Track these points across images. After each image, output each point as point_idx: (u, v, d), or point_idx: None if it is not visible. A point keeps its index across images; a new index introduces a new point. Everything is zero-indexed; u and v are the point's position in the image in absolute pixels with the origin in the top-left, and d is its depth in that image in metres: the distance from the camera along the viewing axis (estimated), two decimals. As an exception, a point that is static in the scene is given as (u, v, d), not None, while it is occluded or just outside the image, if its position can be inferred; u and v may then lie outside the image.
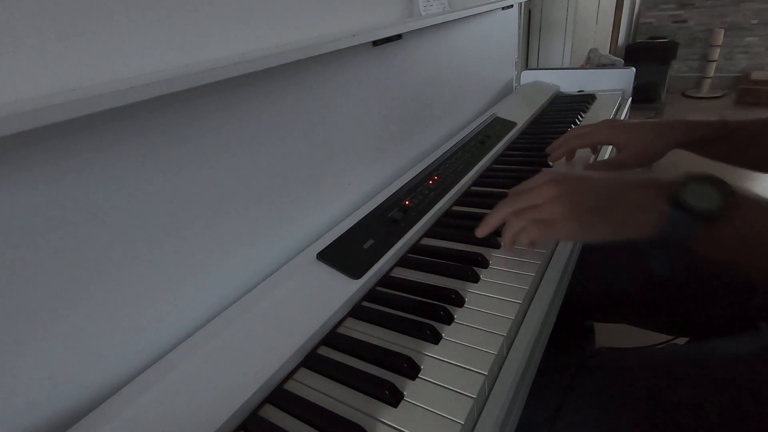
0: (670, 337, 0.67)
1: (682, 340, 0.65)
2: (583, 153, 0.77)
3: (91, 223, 0.36)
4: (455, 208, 0.68)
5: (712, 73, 3.38)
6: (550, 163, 0.77)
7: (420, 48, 0.78)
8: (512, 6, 1.17)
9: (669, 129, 0.61)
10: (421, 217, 0.61)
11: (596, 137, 0.67)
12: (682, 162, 0.56)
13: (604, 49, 2.88)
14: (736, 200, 0.36)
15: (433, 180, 0.70)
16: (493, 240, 0.56)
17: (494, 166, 0.81)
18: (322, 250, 0.53)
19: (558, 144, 0.72)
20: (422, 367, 0.39)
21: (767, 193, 0.37)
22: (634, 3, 3.49)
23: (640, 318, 0.69)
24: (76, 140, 0.34)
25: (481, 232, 0.51)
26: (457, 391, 0.36)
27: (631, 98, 1.16)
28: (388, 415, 0.35)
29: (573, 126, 0.95)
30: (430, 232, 0.62)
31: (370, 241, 0.55)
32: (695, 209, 0.36)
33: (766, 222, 0.36)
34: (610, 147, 0.79)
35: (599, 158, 0.77)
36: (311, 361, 0.42)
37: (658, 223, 0.38)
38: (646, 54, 3.15)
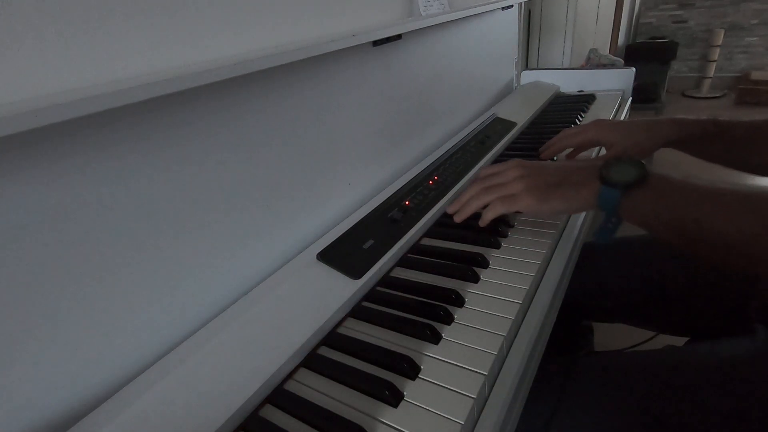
0: (667, 337, 0.67)
1: (679, 341, 0.65)
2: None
3: (90, 223, 0.36)
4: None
5: (712, 73, 3.38)
6: None
7: (420, 48, 0.78)
8: (512, 6, 1.17)
9: (657, 127, 0.62)
10: (421, 217, 0.61)
11: (585, 136, 0.68)
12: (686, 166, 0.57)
13: (604, 49, 2.88)
14: (648, 175, 0.44)
15: (433, 180, 0.70)
16: (493, 240, 0.56)
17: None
18: (322, 250, 0.53)
19: (549, 144, 0.74)
20: (422, 367, 0.39)
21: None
22: (634, 3, 3.49)
23: (639, 318, 0.69)
24: (74, 141, 0.34)
25: (459, 218, 0.58)
26: (457, 391, 0.36)
27: (631, 98, 1.16)
28: (388, 415, 0.35)
29: (572, 126, 0.96)
30: (430, 232, 0.62)
31: (370, 241, 0.55)
32: (616, 182, 0.45)
33: (672, 195, 0.43)
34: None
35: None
36: (311, 361, 0.42)
37: (593, 195, 0.47)
38: (646, 54, 3.15)
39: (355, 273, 0.50)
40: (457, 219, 0.58)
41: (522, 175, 0.52)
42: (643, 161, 0.45)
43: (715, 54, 3.31)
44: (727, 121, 0.59)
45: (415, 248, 0.59)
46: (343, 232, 0.57)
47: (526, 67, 1.55)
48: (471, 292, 0.48)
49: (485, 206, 0.55)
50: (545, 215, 0.59)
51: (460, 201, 0.58)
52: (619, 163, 0.46)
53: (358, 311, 0.48)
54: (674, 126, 0.61)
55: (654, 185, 0.44)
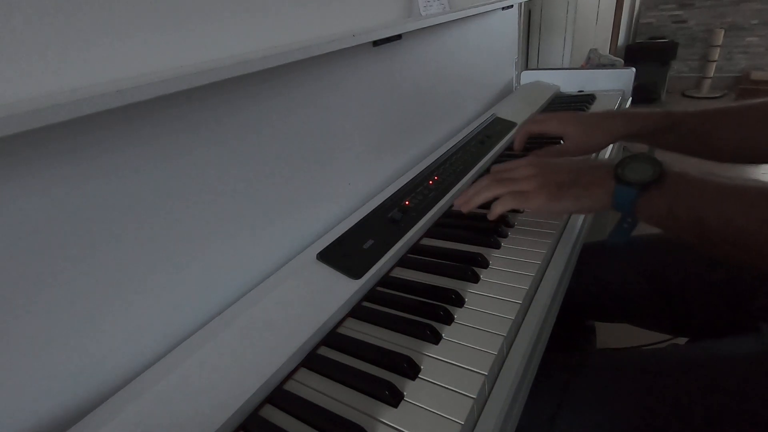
0: (669, 337, 0.67)
1: (682, 340, 0.65)
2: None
3: (85, 224, 0.36)
4: (455, 208, 0.68)
5: (712, 73, 3.38)
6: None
7: (420, 48, 0.78)
8: (512, 6, 1.17)
9: (610, 122, 0.63)
10: (421, 217, 0.61)
11: (546, 126, 0.69)
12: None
13: (604, 49, 2.88)
14: (665, 172, 0.43)
15: (433, 180, 0.70)
16: (493, 240, 0.56)
17: (494, 166, 0.81)
18: (322, 250, 0.53)
19: (516, 131, 0.75)
20: (422, 367, 0.39)
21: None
22: (634, 3, 3.49)
23: (640, 318, 0.69)
24: (74, 142, 0.34)
25: (466, 207, 0.57)
26: (457, 391, 0.36)
27: (631, 98, 1.16)
28: (388, 415, 0.35)
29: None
30: (430, 232, 0.62)
31: (370, 241, 0.55)
32: (632, 180, 0.44)
33: (691, 193, 0.42)
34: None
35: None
36: (311, 361, 0.42)
37: (607, 195, 0.46)
38: (646, 54, 3.15)
39: (355, 273, 0.50)
40: (465, 209, 0.57)
41: (535, 173, 0.51)
42: (659, 159, 0.44)
43: (715, 54, 3.31)
44: (681, 112, 0.60)
45: (415, 248, 0.59)
46: (343, 232, 0.57)
47: (526, 67, 1.55)
48: (471, 292, 0.48)
49: (494, 200, 0.54)
50: (556, 215, 0.58)
51: (467, 193, 0.57)
52: (635, 160, 0.45)
53: (358, 311, 0.48)
54: (627, 120, 0.62)
55: (672, 183, 0.43)
